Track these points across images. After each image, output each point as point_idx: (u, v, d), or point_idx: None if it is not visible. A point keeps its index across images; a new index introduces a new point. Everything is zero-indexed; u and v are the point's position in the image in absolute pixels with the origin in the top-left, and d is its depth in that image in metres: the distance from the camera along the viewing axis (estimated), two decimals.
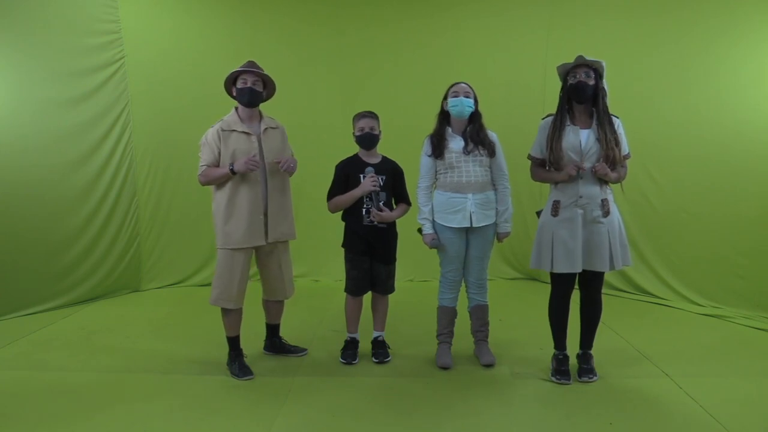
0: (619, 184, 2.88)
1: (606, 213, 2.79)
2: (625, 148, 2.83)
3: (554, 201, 2.85)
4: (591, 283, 2.94)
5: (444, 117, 3.11)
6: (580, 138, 2.79)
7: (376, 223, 3.11)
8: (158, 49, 4.86)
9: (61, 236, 4.36)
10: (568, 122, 2.84)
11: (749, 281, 4.13)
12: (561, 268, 2.82)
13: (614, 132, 2.78)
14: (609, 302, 4.37)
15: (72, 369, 3.14)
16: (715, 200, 4.28)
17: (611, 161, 2.74)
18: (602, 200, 2.79)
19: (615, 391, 2.83)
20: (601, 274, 2.90)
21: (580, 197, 2.78)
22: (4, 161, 4.05)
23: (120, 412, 2.62)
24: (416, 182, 3.17)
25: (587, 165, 2.75)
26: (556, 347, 3.03)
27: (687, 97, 4.38)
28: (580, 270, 2.81)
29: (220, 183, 2.96)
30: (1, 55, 4.02)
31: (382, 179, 3.13)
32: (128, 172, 4.84)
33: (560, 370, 2.96)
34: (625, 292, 4.70)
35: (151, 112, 4.87)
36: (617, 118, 2.86)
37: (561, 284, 2.95)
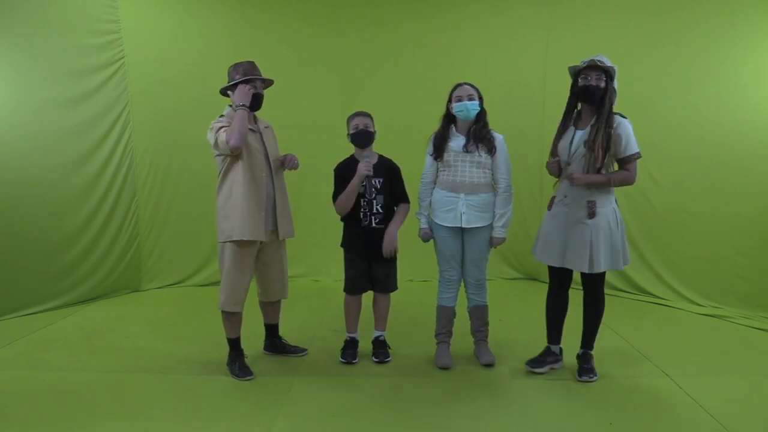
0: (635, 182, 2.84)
1: (591, 215, 2.80)
2: (630, 148, 2.77)
3: (552, 196, 3.01)
4: (588, 282, 2.96)
5: (449, 119, 3.11)
6: (573, 139, 2.85)
7: (374, 225, 3.12)
8: (158, 49, 4.85)
9: (61, 236, 4.36)
10: (572, 122, 2.90)
11: (749, 281, 4.14)
12: (540, 258, 3.01)
13: (608, 135, 2.75)
14: (609, 302, 4.32)
15: (72, 369, 3.14)
16: (715, 200, 4.29)
17: (592, 163, 2.76)
18: (588, 202, 2.81)
19: (615, 391, 2.83)
20: (598, 275, 2.91)
21: (565, 197, 2.89)
22: (4, 161, 4.04)
23: (120, 412, 2.62)
24: (415, 181, 3.19)
25: (573, 167, 2.83)
26: (547, 339, 3.13)
27: (687, 97, 4.38)
28: (556, 264, 2.94)
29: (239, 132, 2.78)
30: (1, 55, 4.02)
31: (379, 181, 3.14)
32: (128, 172, 4.84)
33: (535, 358, 3.10)
34: (625, 292, 4.70)
35: (151, 112, 4.87)
36: (625, 118, 2.81)
37: (552, 278, 3.07)
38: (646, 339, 3.60)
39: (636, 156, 2.79)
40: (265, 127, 3.12)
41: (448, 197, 3.05)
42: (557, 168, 2.93)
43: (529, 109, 4.95)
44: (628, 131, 2.78)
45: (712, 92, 4.28)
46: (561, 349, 3.14)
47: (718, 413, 2.56)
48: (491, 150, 3.02)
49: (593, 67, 2.76)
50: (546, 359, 3.09)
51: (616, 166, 2.87)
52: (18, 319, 4.04)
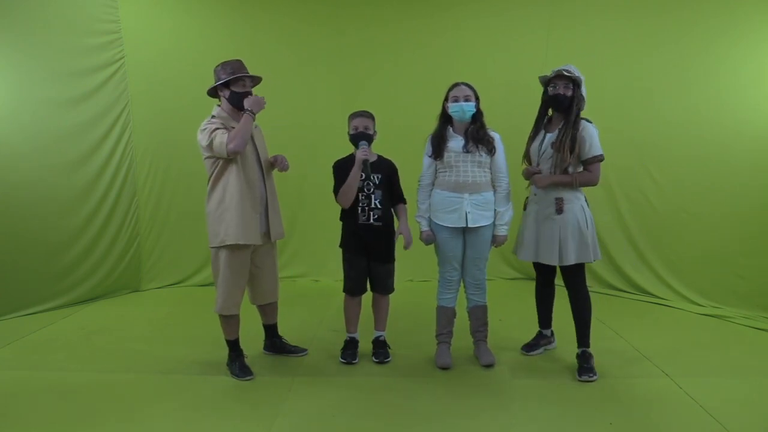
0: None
1: (559, 210, 2.96)
2: (593, 150, 2.92)
3: (526, 197, 3.20)
4: (566, 277, 3.07)
5: (445, 118, 3.12)
6: (543, 141, 3.02)
7: (372, 222, 3.12)
8: (158, 49, 4.85)
9: (61, 236, 4.36)
10: (543, 127, 3.09)
11: (749, 281, 4.14)
12: (518, 255, 3.19)
13: (573, 137, 2.90)
14: (609, 302, 4.39)
15: (72, 369, 3.14)
16: (715, 200, 4.29)
17: (559, 163, 2.92)
18: (556, 199, 2.98)
19: (615, 391, 2.83)
20: (575, 270, 3.01)
21: (535, 194, 3.10)
22: (4, 161, 4.04)
23: (120, 412, 2.62)
24: (415, 181, 3.19)
25: (543, 168, 3.01)
26: (538, 324, 3.41)
27: (687, 97, 4.38)
28: (530, 259, 3.13)
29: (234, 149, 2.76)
30: (1, 55, 4.02)
31: (378, 177, 3.14)
32: (128, 172, 4.84)
33: (529, 342, 3.39)
34: (625, 292, 4.70)
35: (151, 112, 4.87)
36: (590, 122, 2.96)
37: (537, 272, 3.31)
38: (646, 339, 3.60)
39: (599, 158, 2.95)
40: (254, 128, 3.10)
41: (451, 197, 3.05)
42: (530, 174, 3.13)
43: (529, 109, 4.87)
44: (592, 134, 2.94)
45: (712, 92, 4.28)
46: (552, 332, 3.42)
47: (718, 413, 2.56)
48: (491, 150, 3.04)
49: (561, 76, 2.94)
50: (539, 342, 3.39)
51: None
52: (18, 319, 4.04)
